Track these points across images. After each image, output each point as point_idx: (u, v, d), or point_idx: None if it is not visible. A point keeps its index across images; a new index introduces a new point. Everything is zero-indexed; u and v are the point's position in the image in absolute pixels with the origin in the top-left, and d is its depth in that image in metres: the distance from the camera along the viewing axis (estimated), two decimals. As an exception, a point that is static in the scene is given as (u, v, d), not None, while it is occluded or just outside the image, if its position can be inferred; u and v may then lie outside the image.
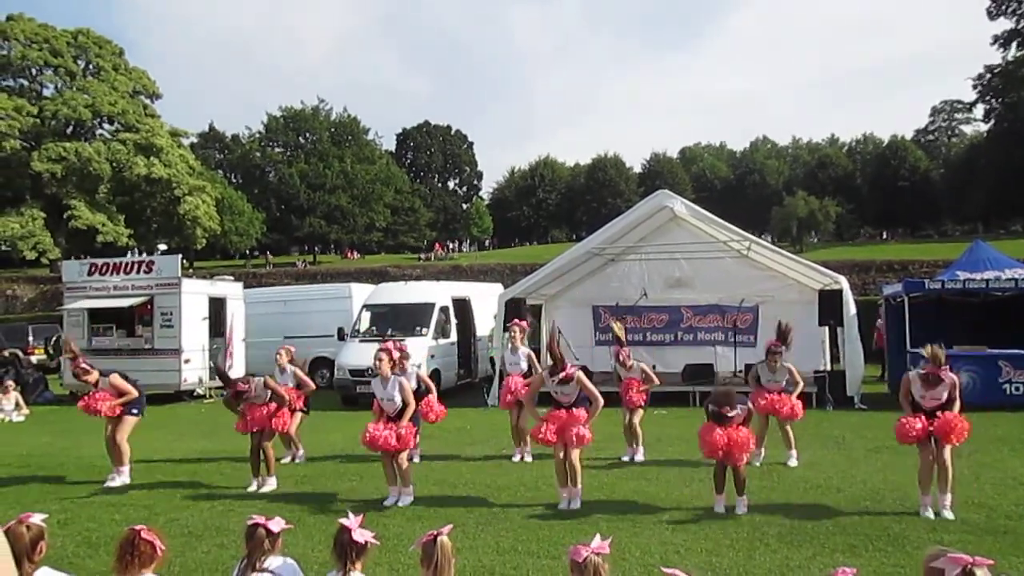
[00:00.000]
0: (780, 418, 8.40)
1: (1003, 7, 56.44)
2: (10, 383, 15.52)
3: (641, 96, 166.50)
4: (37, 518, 3.43)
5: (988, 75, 58.65)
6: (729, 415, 6.45)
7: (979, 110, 63.80)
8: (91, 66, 51.63)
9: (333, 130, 76.53)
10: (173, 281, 16.71)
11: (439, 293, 16.44)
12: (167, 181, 50.20)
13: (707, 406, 6.62)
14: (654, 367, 14.54)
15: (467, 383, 16.70)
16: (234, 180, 74.02)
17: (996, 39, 57.60)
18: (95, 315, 17.29)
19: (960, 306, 13.91)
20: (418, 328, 15.18)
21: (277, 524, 3.56)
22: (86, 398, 8.36)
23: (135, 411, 8.59)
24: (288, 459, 9.35)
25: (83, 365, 8.28)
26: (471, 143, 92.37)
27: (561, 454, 6.86)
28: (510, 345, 9.75)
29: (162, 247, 45.31)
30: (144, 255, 26.64)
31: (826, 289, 13.67)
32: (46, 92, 50.35)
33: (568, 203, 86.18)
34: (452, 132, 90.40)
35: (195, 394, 16.94)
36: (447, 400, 14.87)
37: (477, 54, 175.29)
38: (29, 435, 12.44)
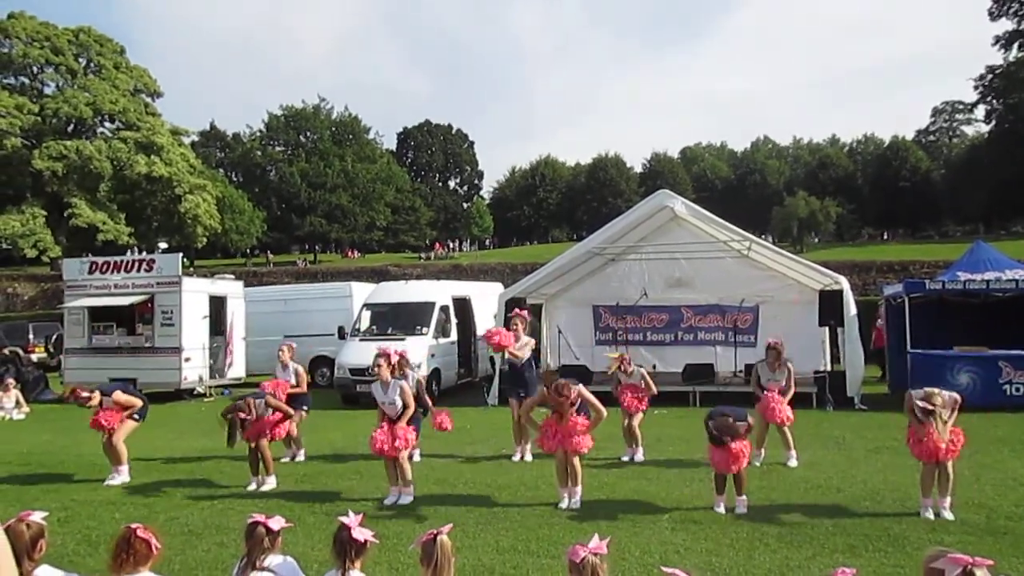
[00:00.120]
0: (775, 424, 8.46)
1: (1004, 8, 56.43)
2: (10, 381, 15.52)
3: (641, 96, 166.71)
4: (37, 516, 3.44)
5: (989, 76, 58.65)
6: (730, 444, 6.46)
7: (980, 111, 63.92)
8: (92, 64, 51.65)
9: (334, 129, 76.59)
10: (174, 280, 16.70)
11: (439, 292, 16.44)
12: (168, 179, 50.22)
13: (709, 429, 6.56)
14: (654, 367, 14.70)
15: (467, 382, 16.71)
16: (235, 179, 74.08)
17: (997, 40, 57.62)
18: (95, 313, 17.30)
19: (961, 307, 13.90)
20: (418, 327, 15.18)
21: (277, 522, 3.57)
22: (94, 417, 8.39)
23: (136, 416, 8.66)
24: (287, 458, 9.35)
25: (83, 395, 8.29)
26: (472, 142, 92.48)
27: (562, 454, 6.86)
28: (513, 336, 9.76)
29: (163, 245, 45.43)
30: (144, 253, 26.68)
31: (826, 289, 13.66)
32: (47, 90, 50.39)
33: (569, 203, 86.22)
34: (453, 131, 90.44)
35: (195, 392, 16.94)
36: (447, 399, 14.98)
37: (477, 53, 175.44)
38: (29, 433, 12.44)
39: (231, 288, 18.44)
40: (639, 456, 8.91)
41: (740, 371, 14.30)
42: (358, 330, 15.84)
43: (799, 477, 7.82)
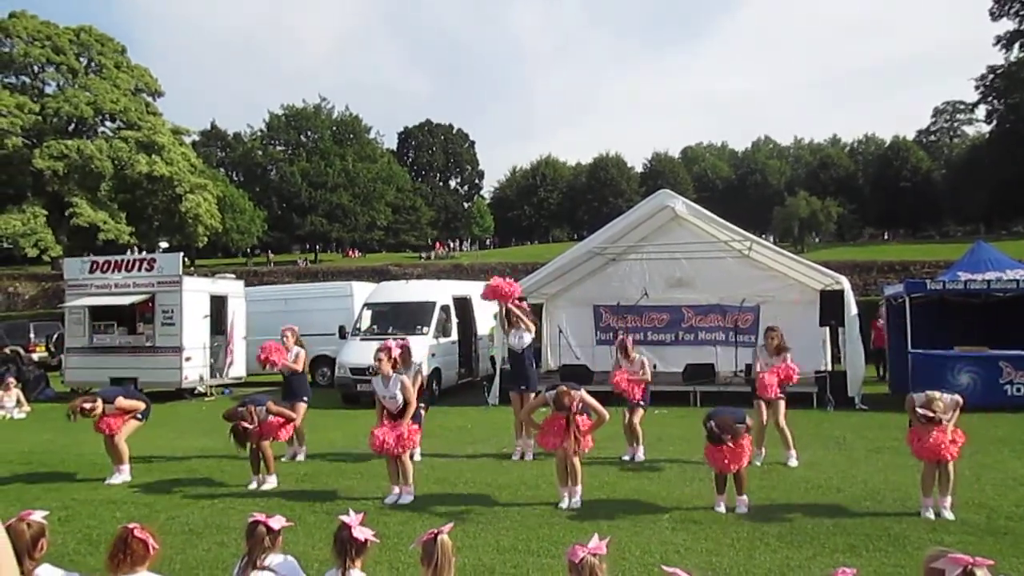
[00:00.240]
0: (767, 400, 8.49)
1: (1005, 8, 56.41)
2: (11, 380, 15.53)
3: (642, 96, 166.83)
4: (38, 515, 3.44)
5: (990, 76, 58.64)
6: (729, 442, 6.46)
7: (981, 111, 63.90)
8: (93, 64, 51.65)
9: (335, 128, 76.66)
10: (174, 279, 16.71)
11: (440, 292, 16.44)
12: (169, 179, 50.23)
13: (709, 427, 6.56)
14: (655, 366, 14.67)
15: (468, 382, 16.71)
16: (236, 178, 74.11)
17: (998, 40, 57.61)
18: (96, 313, 17.30)
19: (961, 307, 13.90)
20: (419, 327, 15.18)
21: (277, 522, 3.57)
22: (98, 423, 8.38)
23: (139, 416, 8.68)
24: (288, 457, 9.35)
25: (85, 405, 8.27)
26: (472, 142, 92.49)
27: (562, 453, 6.86)
28: (514, 331, 9.78)
29: (163, 245, 45.41)
30: (145, 253, 26.67)
31: (827, 289, 13.66)
32: (48, 89, 50.40)
33: (569, 202, 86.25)
34: (454, 131, 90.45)
35: (196, 392, 16.95)
36: (448, 399, 15.00)
37: (477, 53, 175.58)
38: (30, 432, 12.45)
39: (232, 287, 18.45)
40: (640, 455, 8.91)
41: (741, 371, 14.28)
42: (359, 330, 15.84)
43: (800, 477, 7.82)
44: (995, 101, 60.14)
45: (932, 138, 79.85)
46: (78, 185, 47.82)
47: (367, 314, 16.16)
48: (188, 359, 16.44)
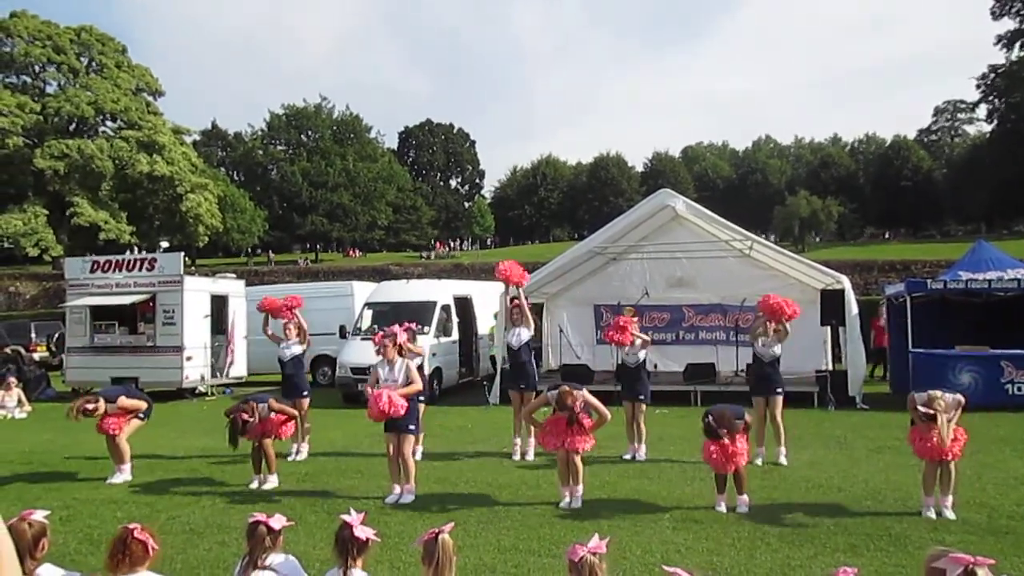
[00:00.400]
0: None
1: (1007, 7, 56.37)
2: (12, 380, 15.53)
3: (642, 96, 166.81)
4: (39, 515, 3.44)
5: (992, 75, 58.60)
6: (725, 439, 6.46)
7: (982, 110, 63.87)
8: (94, 63, 51.67)
9: (335, 128, 76.65)
10: (175, 279, 16.71)
11: (441, 292, 16.44)
12: (169, 179, 50.25)
13: (706, 422, 6.56)
14: (655, 366, 14.69)
15: (468, 381, 16.71)
16: (236, 178, 74.12)
17: (999, 39, 57.59)
18: (97, 312, 17.32)
19: (962, 306, 13.88)
20: (420, 327, 15.16)
21: (278, 521, 3.57)
22: (100, 423, 8.39)
23: (141, 416, 8.68)
24: (291, 456, 9.35)
25: (88, 405, 8.27)
26: (473, 141, 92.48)
27: (564, 453, 6.86)
28: (513, 328, 9.79)
29: (164, 244, 45.38)
30: (145, 252, 26.64)
31: (828, 289, 13.65)
32: (49, 89, 50.41)
33: (570, 202, 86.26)
34: (454, 130, 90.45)
35: (197, 391, 16.96)
36: (449, 398, 15.00)
37: (478, 53, 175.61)
38: (31, 432, 12.45)
39: (232, 287, 18.45)
40: (641, 454, 8.91)
41: (742, 371, 14.28)
42: (359, 329, 15.84)
43: (801, 476, 7.81)
44: (996, 100, 60.11)
45: (933, 137, 79.81)
46: (79, 185, 47.84)
47: (368, 314, 16.16)
48: (189, 359, 16.44)
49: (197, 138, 68.18)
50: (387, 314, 15.97)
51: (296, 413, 8.50)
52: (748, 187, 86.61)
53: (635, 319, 9.71)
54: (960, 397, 6.40)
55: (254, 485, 7.91)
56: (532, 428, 8.41)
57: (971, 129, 76.68)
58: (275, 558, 3.51)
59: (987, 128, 65.40)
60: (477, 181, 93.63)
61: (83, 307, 17.26)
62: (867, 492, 7.07)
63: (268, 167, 74.95)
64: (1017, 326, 12.81)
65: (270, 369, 12.08)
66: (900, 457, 8.08)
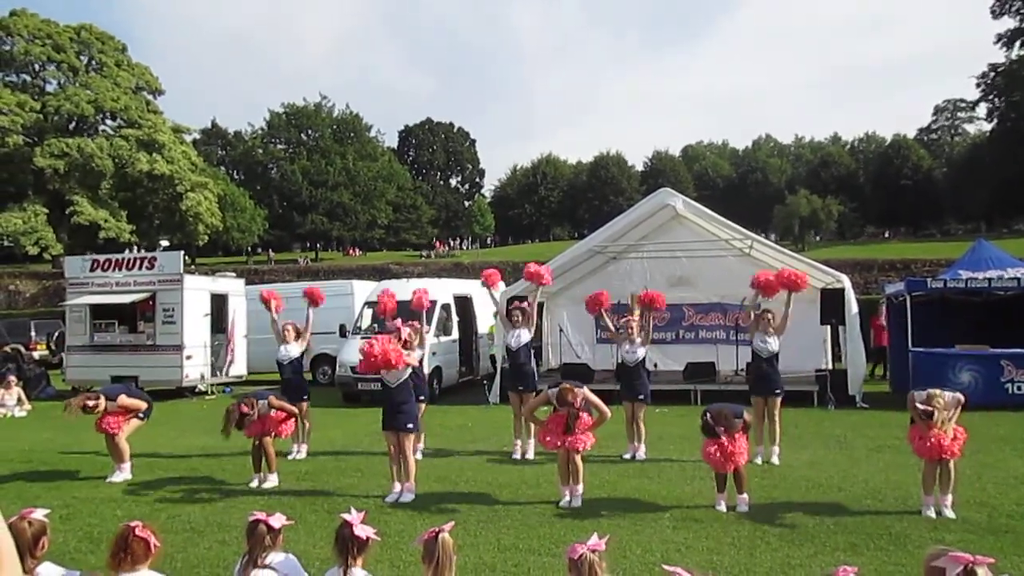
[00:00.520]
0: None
1: (1007, 6, 56.29)
2: (12, 378, 15.53)
3: (641, 95, 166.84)
4: (39, 514, 3.44)
5: (992, 74, 58.56)
6: (721, 434, 6.46)
7: (982, 109, 63.80)
8: (94, 62, 51.64)
9: (335, 127, 76.60)
10: (175, 277, 16.71)
11: (441, 291, 16.42)
12: (169, 177, 50.24)
13: (704, 420, 6.57)
14: (655, 365, 14.68)
15: (468, 380, 16.71)
16: (236, 177, 74.09)
17: (999, 38, 57.51)
18: (97, 311, 17.31)
19: (963, 305, 13.88)
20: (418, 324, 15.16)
21: (278, 520, 3.57)
22: (98, 421, 8.38)
23: (141, 415, 8.67)
24: (292, 455, 9.35)
25: (88, 403, 8.27)
26: (473, 140, 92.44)
27: (564, 452, 6.86)
28: (513, 330, 9.80)
29: (164, 243, 45.31)
30: (145, 251, 26.61)
31: (828, 288, 13.65)
32: (49, 88, 50.38)
33: (570, 201, 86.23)
34: (455, 130, 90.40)
35: (197, 390, 16.96)
36: (449, 397, 15.00)
37: (478, 53, 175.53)
38: (31, 430, 12.46)
39: (232, 286, 18.45)
40: (641, 454, 8.92)
41: (742, 370, 14.28)
42: (360, 328, 15.84)
43: (801, 476, 7.81)
44: (996, 99, 60.06)
45: (933, 136, 79.79)
46: (79, 183, 47.83)
47: (368, 313, 16.15)
48: (189, 357, 16.44)
49: (197, 137, 68.16)
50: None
51: (296, 411, 8.50)
52: (748, 186, 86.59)
53: (635, 319, 9.72)
54: (960, 396, 6.40)
55: (254, 484, 7.91)
56: (532, 427, 8.41)
57: (971, 128, 76.74)
58: (275, 557, 3.51)
59: (987, 127, 65.39)
60: (477, 180, 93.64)
61: (83, 306, 17.25)
62: (867, 491, 7.07)
63: (268, 166, 74.91)
64: (1017, 325, 12.81)
65: (270, 368, 12.08)
66: (900, 456, 8.08)
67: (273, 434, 8.05)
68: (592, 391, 7.10)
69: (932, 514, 6.22)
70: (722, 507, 6.54)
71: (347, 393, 14.98)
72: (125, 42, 53.73)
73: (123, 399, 8.45)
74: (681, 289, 16.10)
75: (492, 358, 16.56)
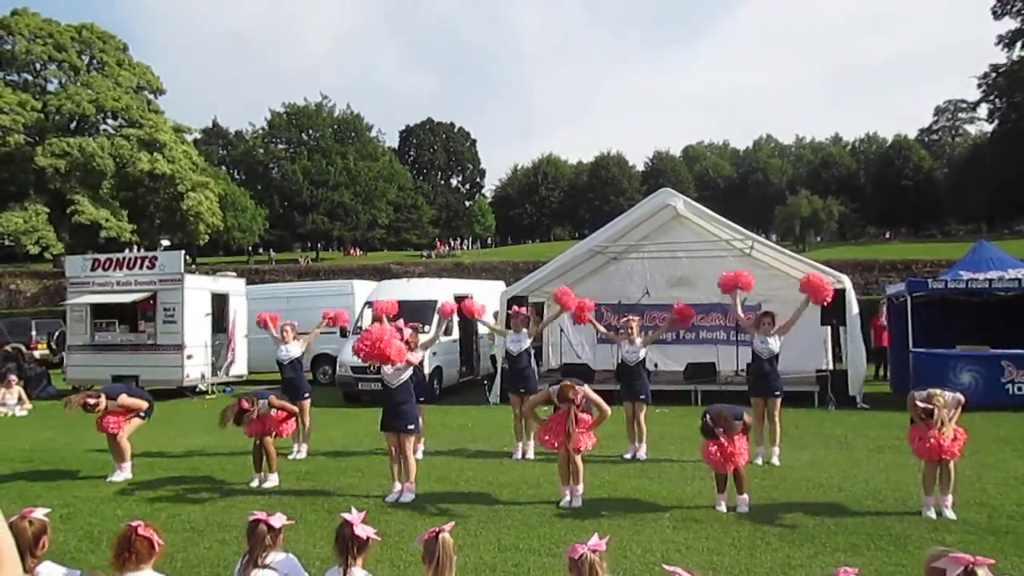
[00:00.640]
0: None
1: (1008, 6, 56.26)
2: (13, 378, 15.55)
3: (642, 95, 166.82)
4: (39, 513, 3.45)
5: (993, 74, 58.53)
6: (721, 435, 6.46)
7: (983, 110, 63.76)
8: (95, 61, 51.63)
9: (336, 127, 76.58)
10: (176, 277, 16.72)
11: (441, 291, 16.43)
12: (170, 177, 50.24)
13: (704, 421, 6.57)
14: (656, 365, 14.68)
15: (469, 380, 16.71)
16: (237, 176, 74.08)
17: (1001, 39, 57.48)
18: (98, 310, 17.33)
19: (963, 306, 13.88)
20: (421, 325, 15.17)
21: (278, 520, 3.57)
22: (99, 421, 8.39)
23: (142, 415, 8.67)
24: (293, 455, 9.35)
25: (89, 401, 8.27)
26: (474, 140, 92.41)
27: (564, 451, 6.86)
28: (512, 334, 9.82)
29: (165, 243, 45.38)
30: (145, 251, 26.59)
31: (829, 288, 13.62)
32: (50, 87, 50.37)
33: (571, 201, 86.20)
34: (455, 130, 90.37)
35: (197, 390, 16.97)
36: (449, 397, 15.00)
37: (478, 53, 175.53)
38: (31, 430, 12.47)
39: (233, 286, 18.46)
40: (642, 453, 8.92)
41: (742, 370, 14.28)
42: (360, 328, 15.83)
43: (801, 476, 7.81)
44: (997, 100, 60.03)
45: (934, 137, 79.76)
46: (80, 183, 47.83)
47: (368, 313, 16.15)
48: (190, 357, 16.45)
49: (198, 136, 68.16)
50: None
51: (296, 410, 8.50)
52: (749, 186, 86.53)
53: (636, 319, 9.73)
54: (960, 396, 6.39)
55: (254, 483, 7.91)
56: (533, 424, 8.42)
57: (972, 129, 76.70)
58: (275, 556, 3.51)
59: (988, 128, 65.37)
60: (478, 180, 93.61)
61: (84, 305, 17.26)
62: (867, 492, 7.06)
63: (269, 166, 74.89)
64: (1018, 326, 12.80)
65: (271, 368, 12.09)
66: (900, 457, 8.07)
67: (274, 433, 8.06)
68: (593, 391, 7.10)
69: (932, 515, 6.22)
70: (722, 507, 6.54)
71: (347, 393, 14.99)
72: (126, 41, 53.82)
73: (123, 398, 8.46)
74: (682, 289, 16.08)
75: (492, 358, 16.57)
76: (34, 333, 24.23)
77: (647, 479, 7.81)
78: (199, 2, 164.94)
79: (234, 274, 20.63)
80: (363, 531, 3.43)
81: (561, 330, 16.77)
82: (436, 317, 9.63)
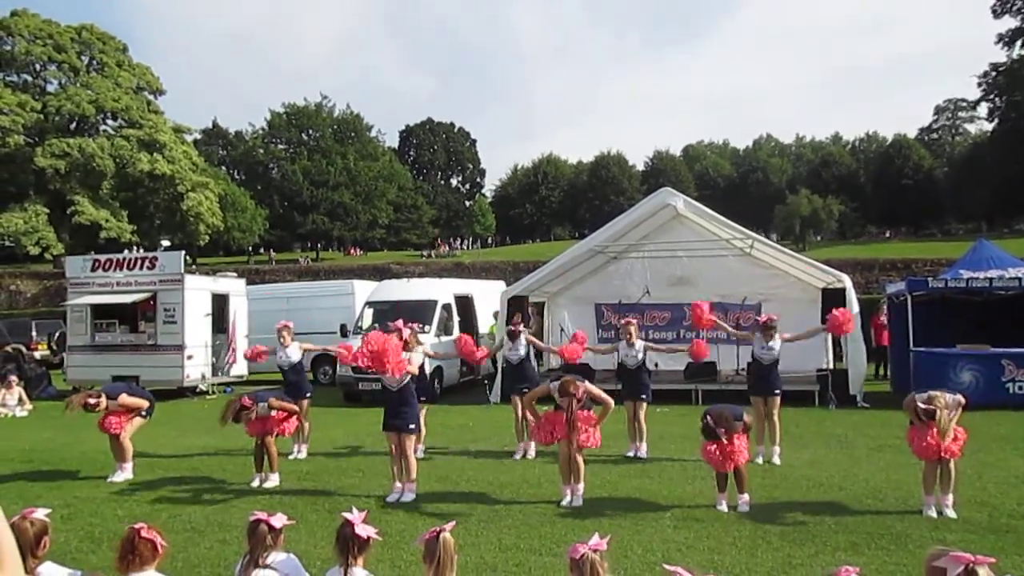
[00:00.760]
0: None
1: (1008, 6, 56.23)
2: (13, 378, 15.55)
3: (642, 95, 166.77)
4: (40, 513, 3.45)
5: (993, 73, 58.54)
6: (722, 436, 6.46)
7: (983, 108, 63.77)
8: (95, 62, 51.64)
9: (336, 127, 76.59)
10: (176, 277, 16.72)
11: (442, 290, 16.45)
12: (170, 177, 50.25)
13: (705, 421, 6.56)
14: (656, 365, 14.66)
15: (469, 380, 16.71)
16: (237, 177, 74.08)
17: (1000, 37, 57.47)
18: (98, 311, 17.34)
19: (963, 305, 13.87)
20: (421, 325, 15.18)
21: (279, 520, 3.57)
22: (101, 421, 8.39)
23: (143, 414, 8.68)
24: (290, 455, 9.34)
25: (90, 401, 8.27)
26: (474, 140, 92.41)
27: (566, 450, 6.86)
28: (509, 343, 9.87)
29: (165, 243, 45.37)
30: (145, 251, 26.61)
31: (829, 288, 13.64)
32: (50, 88, 50.38)
33: (571, 200, 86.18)
34: (455, 130, 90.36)
35: (198, 390, 16.97)
36: (450, 397, 15.00)
37: (478, 53, 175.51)
38: (32, 430, 12.47)
39: (233, 286, 18.46)
40: (643, 452, 8.92)
41: (742, 369, 14.26)
42: (360, 328, 15.84)
43: (801, 475, 7.81)
44: (997, 99, 60.04)
45: (934, 136, 79.72)
46: (80, 183, 47.84)
47: (368, 312, 16.17)
48: (190, 357, 16.45)
49: (198, 137, 68.15)
50: (388, 313, 15.96)
51: (296, 409, 8.49)
52: (749, 186, 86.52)
53: (634, 322, 9.76)
54: (960, 398, 6.38)
55: (255, 483, 7.91)
56: (530, 418, 8.41)
57: (972, 128, 76.67)
58: (276, 556, 3.51)
59: (988, 127, 65.35)
60: (478, 180, 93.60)
61: (84, 305, 17.27)
62: (868, 491, 7.07)
63: (269, 166, 74.90)
64: (1018, 325, 12.80)
65: (271, 368, 12.06)
66: (901, 456, 8.07)
67: (275, 433, 8.06)
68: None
69: (933, 513, 6.22)
70: (723, 507, 6.54)
71: (348, 393, 14.99)
72: (126, 42, 53.85)
73: (124, 398, 8.46)
74: (682, 289, 16.08)
75: (493, 358, 16.54)
76: (34, 334, 24.23)
77: (648, 478, 7.82)
78: (199, 2, 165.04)
79: (234, 274, 20.63)
80: (364, 531, 3.43)
81: (562, 330, 16.76)
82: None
